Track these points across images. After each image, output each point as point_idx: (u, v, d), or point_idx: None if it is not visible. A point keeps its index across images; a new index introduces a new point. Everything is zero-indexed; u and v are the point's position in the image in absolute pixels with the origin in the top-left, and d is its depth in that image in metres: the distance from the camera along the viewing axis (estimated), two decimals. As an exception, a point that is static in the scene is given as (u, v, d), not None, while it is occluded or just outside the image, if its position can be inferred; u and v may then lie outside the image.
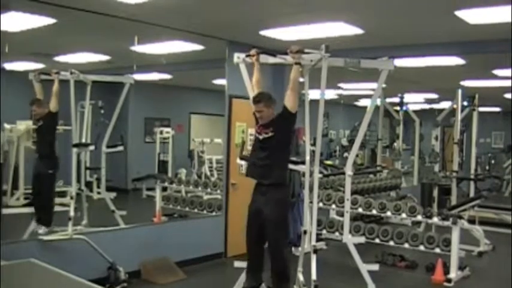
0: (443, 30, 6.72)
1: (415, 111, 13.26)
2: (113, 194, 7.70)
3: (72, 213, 6.32)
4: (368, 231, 8.07)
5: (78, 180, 6.88)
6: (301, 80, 5.25)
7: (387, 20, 6.41)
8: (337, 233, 8.41)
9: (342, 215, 8.25)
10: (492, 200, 11.05)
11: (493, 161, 16.97)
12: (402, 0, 5.53)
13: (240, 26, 6.92)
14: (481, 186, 12.17)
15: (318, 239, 6.29)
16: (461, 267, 7.33)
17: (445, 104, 12.56)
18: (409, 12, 5.94)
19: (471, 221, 9.57)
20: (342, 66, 5.34)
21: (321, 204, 8.15)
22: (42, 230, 6.31)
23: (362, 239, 5.87)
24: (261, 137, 5.07)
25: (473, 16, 5.82)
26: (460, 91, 9.91)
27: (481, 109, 10.97)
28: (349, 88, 12.99)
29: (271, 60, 5.39)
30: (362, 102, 16.03)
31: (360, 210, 8.22)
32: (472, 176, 10.71)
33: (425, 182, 10.86)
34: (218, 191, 8.42)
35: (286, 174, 5.27)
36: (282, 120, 5.02)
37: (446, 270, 7.17)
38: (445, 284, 7.03)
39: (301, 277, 5.71)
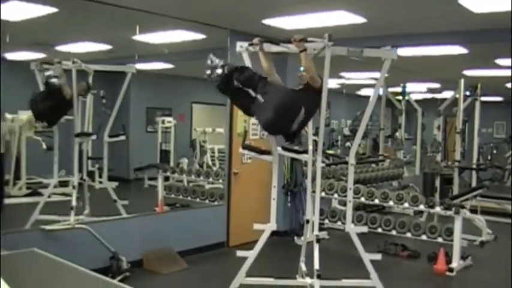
0: (447, 19, 6.69)
1: (417, 101, 13.23)
2: (115, 184, 7.71)
3: (74, 203, 6.33)
4: (370, 221, 8.09)
5: (80, 170, 6.88)
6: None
7: (390, 9, 6.37)
8: (339, 223, 8.44)
9: (344, 204, 8.29)
10: (494, 190, 11.05)
11: (494, 151, 16.94)
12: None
13: (242, 15, 6.88)
14: (483, 176, 12.18)
15: (320, 229, 6.28)
16: (463, 257, 7.34)
17: (447, 94, 12.53)
18: (412, 0, 5.91)
19: (473, 210, 9.57)
20: (345, 55, 5.30)
21: (323, 194, 8.15)
22: None
23: (365, 229, 5.83)
24: None
25: (477, 4, 5.79)
26: (462, 81, 9.88)
27: (483, 99, 10.95)
28: (351, 77, 12.96)
29: (275, 49, 5.34)
30: (364, 92, 16.00)
31: (363, 199, 8.24)
32: (474, 166, 10.70)
33: (427, 171, 10.87)
34: (220, 181, 8.42)
35: None
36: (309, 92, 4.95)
37: (449, 259, 7.18)
38: (447, 273, 7.04)
39: (303, 266, 5.73)
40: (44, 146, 7.35)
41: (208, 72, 4.85)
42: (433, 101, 14.55)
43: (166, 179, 9.11)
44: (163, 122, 10.34)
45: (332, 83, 13.40)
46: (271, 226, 5.45)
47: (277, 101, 4.63)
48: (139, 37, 7.48)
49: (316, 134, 6.16)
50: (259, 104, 4.71)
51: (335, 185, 8.48)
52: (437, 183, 10.17)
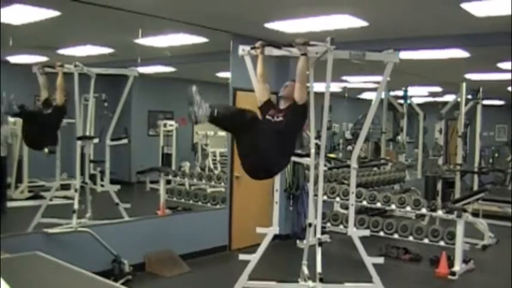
0: (449, 22, 6.69)
1: (418, 105, 13.24)
2: (117, 187, 7.72)
3: (76, 206, 6.35)
4: (372, 224, 8.08)
5: (82, 173, 6.88)
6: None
7: (392, 13, 6.37)
8: (341, 226, 8.42)
9: (346, 208, 8.28)
10: (496, 194, 11.04)
11: (496, 155, 16.94)
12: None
13: (245, 19, 6.89)
14: (485, 180, 12.17)
15: (323, 232, 6.28)
16: (465, 260, 7.33)
17: (449, 97, 12.55)
18: (414, 4, 5.91)
19: (475, 214, 9.55)
20: (347, 58, 5.31)
21: (325, 197, 8.15)
22: None
23: (367, 232, 5.83)
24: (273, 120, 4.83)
25: (478, 8, 5.79)
26: (464, 84, 9.89)
27: (485, 102, 10.95)
28: (353, 81, 12.96)
29: (276, 52, 5.35)
30: (365, 95, 16.00)
31: (365, 203, 8.23)
32: (476, 169, 10.70)
33: (429, 175, 10.85)
34: (222, 184, 8.41)
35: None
36: (292, 111, 4.86)
37: (451, 263, 7.18)
38: (449, 277, 7.03)
39: (306, 270, 5.73)
40: (46, 149, 7.35)
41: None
42: (435, 104, 14.55)
43: (168, 182, 9.11)
44: (165, 125, 10.33)
45: (334, 87, 13.39)
46: (274, 229, 5.45)
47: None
48: (142, 40, 7.49)
49: (318, 137, 6.16)
50: None
51: (337, 188, 8.47)
52: (439, 186, 10.16)
